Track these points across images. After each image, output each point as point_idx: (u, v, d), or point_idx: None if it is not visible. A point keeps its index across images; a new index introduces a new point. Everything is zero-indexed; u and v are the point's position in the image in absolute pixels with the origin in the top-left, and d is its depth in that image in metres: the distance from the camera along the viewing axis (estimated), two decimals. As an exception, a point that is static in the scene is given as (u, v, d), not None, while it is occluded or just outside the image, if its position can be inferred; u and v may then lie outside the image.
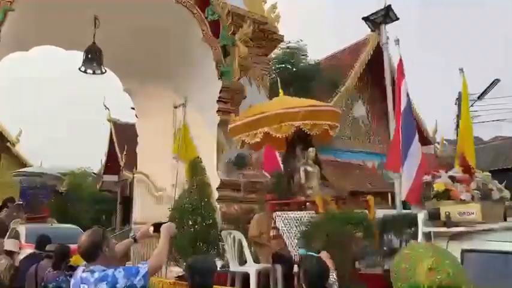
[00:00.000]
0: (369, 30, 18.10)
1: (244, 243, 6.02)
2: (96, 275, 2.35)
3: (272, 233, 5.76)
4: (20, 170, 14.61)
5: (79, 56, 8.60)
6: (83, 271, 2.42)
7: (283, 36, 10.48)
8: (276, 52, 11.77)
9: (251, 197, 8.87)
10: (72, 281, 2.45)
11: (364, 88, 19.26)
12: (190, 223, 5.87)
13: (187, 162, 6.68)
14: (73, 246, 5.36)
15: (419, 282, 1.32)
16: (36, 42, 8.74)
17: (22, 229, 9.61)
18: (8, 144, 21.80)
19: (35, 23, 7.57)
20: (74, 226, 11.73)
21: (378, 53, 17.01)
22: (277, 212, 5.72)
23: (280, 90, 7.11)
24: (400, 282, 1.39)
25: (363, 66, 17.81)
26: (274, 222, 5.68)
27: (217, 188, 8.21)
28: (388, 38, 16.20)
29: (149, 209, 10.22)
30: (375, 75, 17.85)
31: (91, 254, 2.48)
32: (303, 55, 12.15)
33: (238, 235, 6.12)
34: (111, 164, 23.76)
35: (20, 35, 7.55)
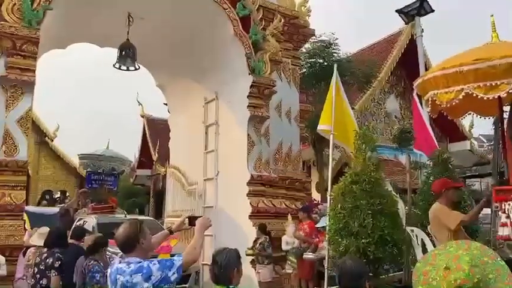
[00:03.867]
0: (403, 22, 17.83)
1: (429, 244, 5.03)
2: (132, 266, 2.40)
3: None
4: (87, 152, 12.46)
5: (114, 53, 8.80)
6: (119, 262, 2.48)
7: (314, 30, 10.39)
8: (307, 46, 11.64)
9: (282, 193, 8.88)
10: (108, 271, 2.52)
11: (397, 82, 18.89)
12: (368, 212, 4.61)
13: (342, 133, 5.73)
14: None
15: (438, 284, 1.19)
16: (72, 39, 8.99)
17: (91, 220, 8.69)
18: (46, 138, 22.65)
19: (71, 21, 7.78)
20: (149, 218, 10.66)
21: (412, 46, 16.68)
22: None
23: (494, 34, 5.03)
24: (420, 286, 1.26)
25: (396, 59, 17.47)
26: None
27: (247, 183, 8.27)
28: (422, 30, 15.83)
29: (181, 202, 10.39)
30: (408, 68, 17.47)
31: (128, 246, 2.54)
32: (334, 49, 11.95)
33: (421, 234, 5.19)
34: (144, 159, 24.26)
35: (57, 33, 7.77)
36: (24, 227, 6.49)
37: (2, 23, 6.39)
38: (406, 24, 17.72)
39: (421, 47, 15.48)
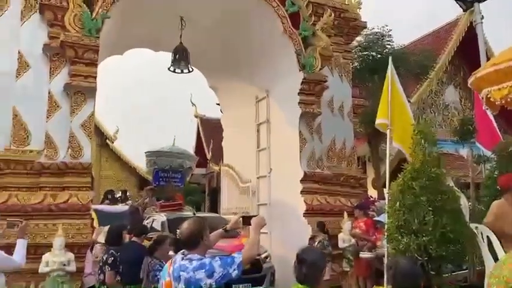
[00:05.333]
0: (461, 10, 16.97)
1: (495, 241, 4.78)
2: (194, 263, 2.47)
3: None
4: (155, 149, 12.11)
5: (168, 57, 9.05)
6: (182, 259, 2.56)
7: (365, 22, 10.13)
8: (359, 39, 11.37)
9: (337, 190, 8.77)
10: (171, 268, 2.59)
11: (456, 72, 18.04)
12: (429, 208, 4.45)
13: (398, 129, 5.62)
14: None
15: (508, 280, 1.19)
16: (128, 45, 9.36)
17: (160, 218, 8.47)
18: (107, 141, 23.82)
19: (126, 28, 8.10)
20: (217, 215, 10.38)
21: (471, 34, 15.84)
22: None
23: None
24: (492, 278, 1.26)
25: (454, 48, 16.69)
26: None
27: (300, 181, 8.23)
28: (482, 16, 14.97)
29: (236, 200, 10.54)
30: (467, 57, 16.64)
31: (192, 243, 2.60)
32: (388, 41, 11.57)
33: (486, 231, 4.93)
34: (199, 158, 24.81)
35: (114, 40, 8.11)
36: (93, 225, 6.85)
37: (65, 33, 6.79)
38: (464, 11, 16.86)
39: (482, 34, 14.61)
